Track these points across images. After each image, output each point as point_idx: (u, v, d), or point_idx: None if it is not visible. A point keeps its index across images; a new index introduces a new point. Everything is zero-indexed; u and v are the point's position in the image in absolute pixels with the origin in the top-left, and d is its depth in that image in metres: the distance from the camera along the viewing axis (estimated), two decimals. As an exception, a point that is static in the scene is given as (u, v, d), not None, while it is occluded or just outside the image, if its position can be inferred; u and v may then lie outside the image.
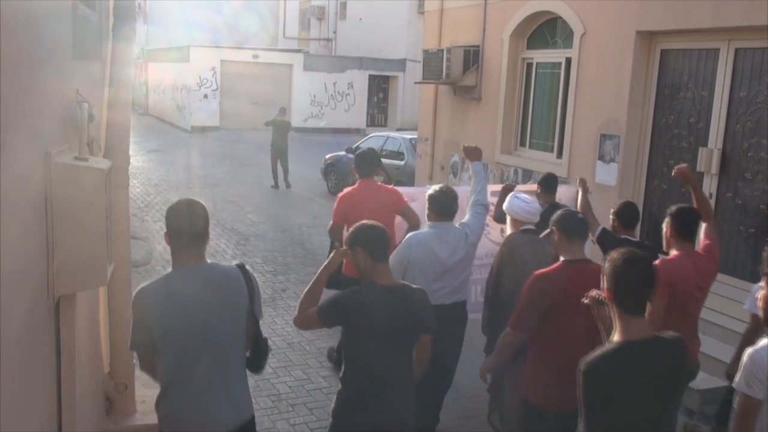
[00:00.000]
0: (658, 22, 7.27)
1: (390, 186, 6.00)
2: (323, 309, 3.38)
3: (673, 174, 4.86)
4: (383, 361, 3.35)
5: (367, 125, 28.73)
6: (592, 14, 8.23)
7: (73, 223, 2.77)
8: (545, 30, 9.58)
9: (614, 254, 2.89)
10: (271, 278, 8.95)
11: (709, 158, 6.85)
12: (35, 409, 2.63)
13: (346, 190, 5.92)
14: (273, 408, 5.51)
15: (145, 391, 4.95)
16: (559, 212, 4.15)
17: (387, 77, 29.78)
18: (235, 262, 3.29)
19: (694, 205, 4.53)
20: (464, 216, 4.91)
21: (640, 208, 7.72)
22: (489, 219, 5.80)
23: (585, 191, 5.69)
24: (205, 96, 26.58)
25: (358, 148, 14.63)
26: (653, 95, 7.61)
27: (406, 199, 5.80)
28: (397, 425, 3.40)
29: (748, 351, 3.01)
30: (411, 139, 14.10)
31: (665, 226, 4.34)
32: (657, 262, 4.02)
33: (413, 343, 3.48)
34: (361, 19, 31.03)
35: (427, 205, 4.71)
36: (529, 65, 9.87)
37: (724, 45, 6.75)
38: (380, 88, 30.03)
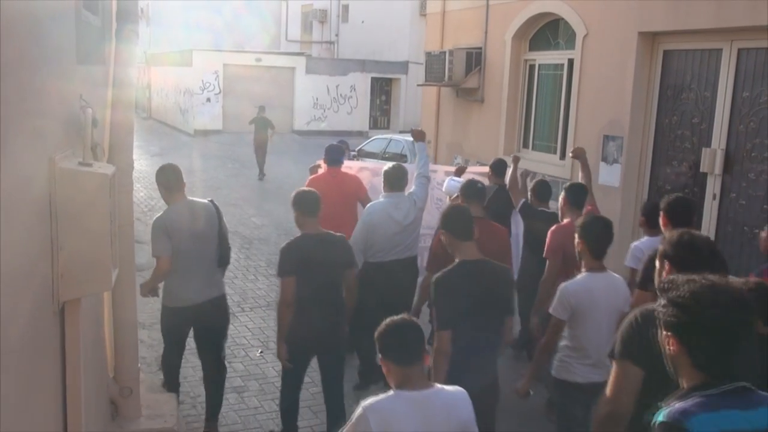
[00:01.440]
0: (661, 23, 7.27)
1: (353, 174, 6.97)
2: (281, 267, 4.63)
3: (570, 155, 6.24)
4: (317, 286, 4.54)
5: (370, 128, 28.71)
6: (595, 15, 8.23)
7: (77, 228, 2.77)
8: (547, 31, 9.58)
9: (445, 208, 4.30)
10: (276, 282, 8.94)
11: (712, 159, 6.84)
12: (40, 413, 2.63)
13: (315, 174, 6.90)
14: (278, 411, 5.51)
15: (150, 395, 4.96)
16: (465, 181, 5.58)
17: (389, 80, 29.77)
18: (207, 199, 5.15)
19: (581, 179, 5.94)
20: (411, 187, 5.95)
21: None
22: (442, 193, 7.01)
23: (515, 167, 6.69)
24: (208, 99, 26.58)
25: (361, 150, 14.67)
26: (656, 96, 7.61)
27: (366, 188, 6.74)
28: (326, 330, 4.62)
29: (562, 285, 4.11)
30: (414, 142, 14.07)
31: (560, 199, 5.45)
32: (552, 228, 5.32)
33: (340, 273, 4.70)
34: (363, 21, 31.03)
35: (382, 180, 5.73)
36: (532, 67, 9.87)
37: (727, 45, 6.75)
38: (383, 91, 30.01)
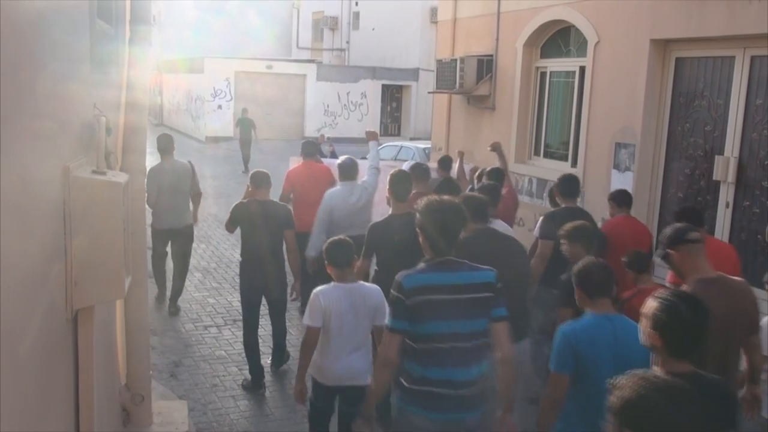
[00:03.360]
0: (673, 30, 7.24)
1: (324, 165, 8.37)
2: (231, 220, 6.12)
3: (489, 148, 7.65)
4: (261, 239, 5.91)
5: (381, 135, 28.64)
6: (606, 23, 8.21)
7: (90, 236, 2.78)
8: (559, 39, 9.57)
9: (393, 171, 5.42)
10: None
11: (725, 167, 6.80)
12: (54, 419, 2.64)
13: (293, 167, 8.19)
14: (290, 416, 5.52)
15: (162, 402, 4.97)
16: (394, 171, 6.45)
17: (400, 87, 29.81)
18: (187, 159, 7.89)
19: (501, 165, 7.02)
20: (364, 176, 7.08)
21: (657, 217, 7.73)
22: None
23: (461, 161, 7.93)
24: (219, 106, 26.72)
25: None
26: (668, 103, 7.57)
27: (334, 176, 7.82)
28: (270, 274, 5.97)
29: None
30: (424, 149, 14.10)
31: (476, 181, 6.67)
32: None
33: (281, 231, 6.01)
34: (374, 28, 31.10)
35: (338, 171, 6.88)
36: (543, 74, 9.86)
37: (740, 53, 6.71)
38: (393, 98, 30.06)
